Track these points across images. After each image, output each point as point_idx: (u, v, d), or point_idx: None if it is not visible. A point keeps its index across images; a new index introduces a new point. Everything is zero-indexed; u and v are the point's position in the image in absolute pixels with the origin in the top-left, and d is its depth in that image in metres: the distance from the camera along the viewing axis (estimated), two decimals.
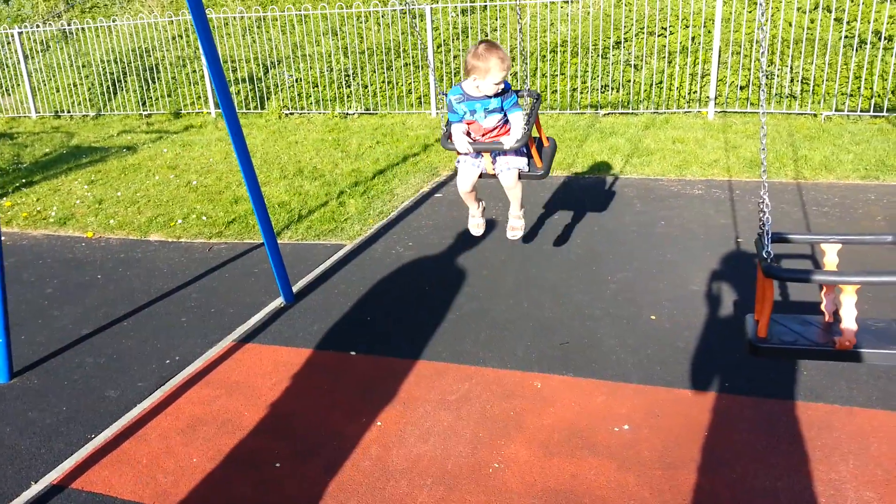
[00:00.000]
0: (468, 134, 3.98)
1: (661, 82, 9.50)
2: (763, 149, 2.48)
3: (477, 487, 2.81)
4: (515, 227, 4.34)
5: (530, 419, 3.23)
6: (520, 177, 4.08)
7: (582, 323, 4.09)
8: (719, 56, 9.00)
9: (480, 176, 4.14)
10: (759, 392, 3.32)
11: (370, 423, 3.26)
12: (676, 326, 3.97)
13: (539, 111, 3.90)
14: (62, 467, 3.08)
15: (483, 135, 3.99)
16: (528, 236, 5.48)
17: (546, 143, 4.32)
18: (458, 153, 4.03)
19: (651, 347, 3.78)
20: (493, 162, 4.02)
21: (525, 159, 4.05)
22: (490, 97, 3.83)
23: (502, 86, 3.79)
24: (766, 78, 8.81)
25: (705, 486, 2.74)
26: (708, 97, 9.05)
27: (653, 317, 4.11)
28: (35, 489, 2.96)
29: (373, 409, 3.37)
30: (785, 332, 2.46)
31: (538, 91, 3.84)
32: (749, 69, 9.09)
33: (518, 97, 3.96)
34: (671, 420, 3.16)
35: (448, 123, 4.02)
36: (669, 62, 9.52)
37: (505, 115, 3.90)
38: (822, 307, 2.56)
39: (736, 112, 8.97)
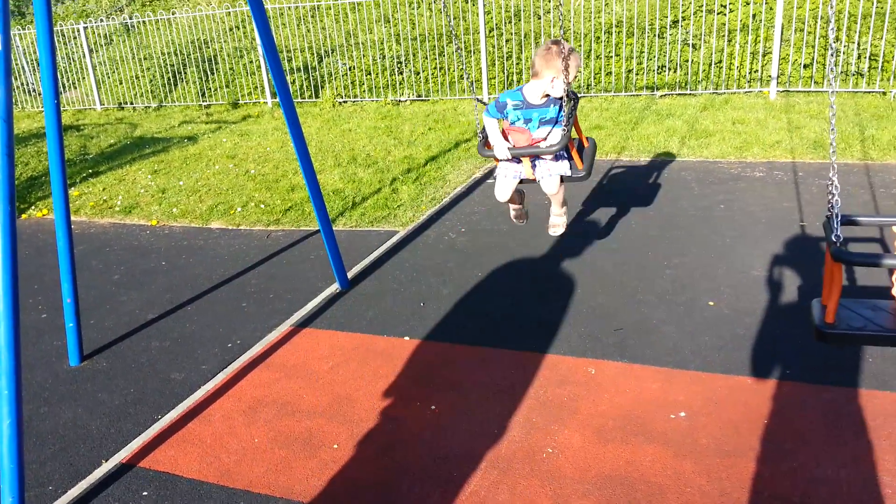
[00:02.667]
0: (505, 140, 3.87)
1: (720, 61, 9.24)
2: (832, 129, 2.39)
3: (530, 472, 2.82)
4: (557, 224, 4.23)
5: (584, 405, 3.21)
6: (562, 181, 3.94)
7: (637, 309, 4.04)
8: (782, 33, 8.70)
9: (520, 182, 4.01)
10: (821, 380, 3.23)
11: (424, 407, 3.29)
12: (736, 312, 3.89)
13: (578, 109, 3.81)
14: (130, 447, 3.21)
15: (529, 145, 3.86)
16: (583, 222, 5.43)
17: (586, 144, 4.14)
18: (497, 160, 3.89)
19: (709, 334, 3.71)
20: (533, 168, 3.88)
21: (566, 163, 3.89)
22: (550, 106, 3.72)
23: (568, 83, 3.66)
24: (833, 55, 8.47)
25: (765, 475, 2.69)
26: (770, 76, 8.77)
27: (711, 303, 4.03)
28: (105, 467, 3.09)
29: (427, 393, 3.41)
30: (853, 317, 2.37)
31: (577, 93, 3.86)
32: (813, 46, 8.75)
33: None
34: (730, 408, 3.10)
35: (483, 130, 3.90)
36: (729, 41, 9.25)
37: (555, 124, 3.79)
38: (893, 292, 2.47)
39: (799, 91, 8.66)
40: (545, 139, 3.82)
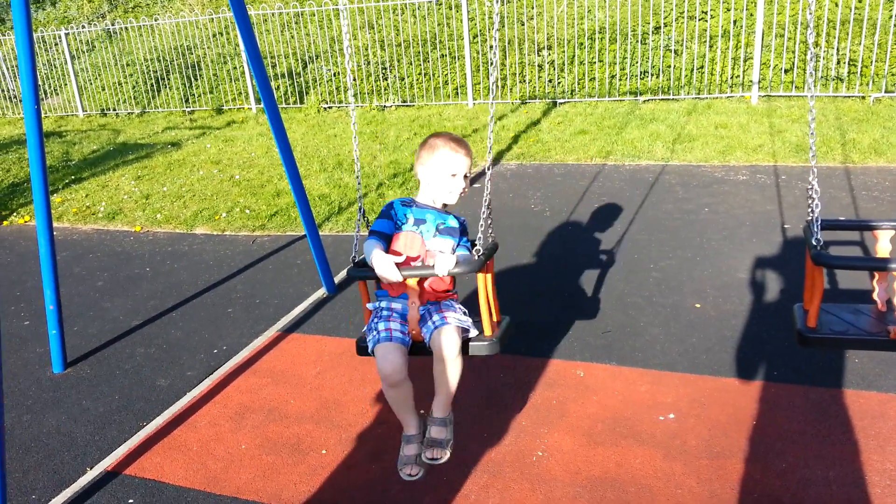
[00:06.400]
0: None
1: (702, 67, 9.33)
2: (812, 133, 2.41)
3: (521, 475, 2.81)
4: (437, 440, 2.65)
5: (573, 408, 3.21)
6: (462, 341, 2.60)
7: (624, 311, 4.05)
8: (762, 39, 8.79)
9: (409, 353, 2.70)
10: (808, 381, 3.25)
11: None
12: (722, 315, 3.91)
13: (491, 255, 2.64)
14: (116, 454, 3.17)
15: (419, 259, 2.71)
16: (568, 226, 5.44)
17: (497, 317, 2.83)
18: (381, 281, 2.61)
19: (696, 336, 3.72)
20: (421, 318, 2.68)
21: (469, 319, 2.70)
22: (451, 215, 2.82)
23: (461, 185, 2.74)
24: (813, 59, 8.59)
25: (755, 476, 2.70)
26: (751, 81, 8.86)
27: (697, 305, 4.05)
28: (90, 475, 3.05)
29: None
30: (835, 321, 2.39)
31: (496, 241, 2.74)
32: (793, 52, 8.86)
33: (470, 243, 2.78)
34: (718, 409, 3.11)
35: (365, 240, 2.72)
36: (711, 46, 9.34)
37: (458, 241, 2.77)
38: (874, 295, 2.48)
39: (780, 96, 8.75)
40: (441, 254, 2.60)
